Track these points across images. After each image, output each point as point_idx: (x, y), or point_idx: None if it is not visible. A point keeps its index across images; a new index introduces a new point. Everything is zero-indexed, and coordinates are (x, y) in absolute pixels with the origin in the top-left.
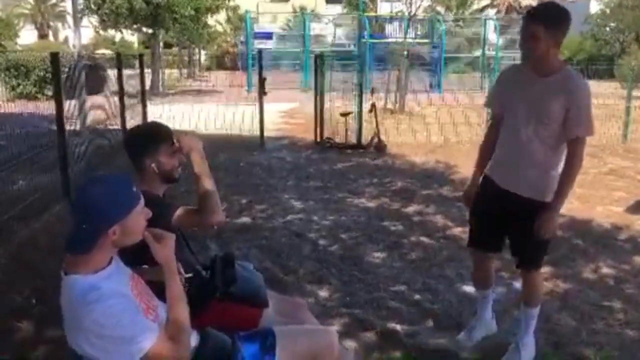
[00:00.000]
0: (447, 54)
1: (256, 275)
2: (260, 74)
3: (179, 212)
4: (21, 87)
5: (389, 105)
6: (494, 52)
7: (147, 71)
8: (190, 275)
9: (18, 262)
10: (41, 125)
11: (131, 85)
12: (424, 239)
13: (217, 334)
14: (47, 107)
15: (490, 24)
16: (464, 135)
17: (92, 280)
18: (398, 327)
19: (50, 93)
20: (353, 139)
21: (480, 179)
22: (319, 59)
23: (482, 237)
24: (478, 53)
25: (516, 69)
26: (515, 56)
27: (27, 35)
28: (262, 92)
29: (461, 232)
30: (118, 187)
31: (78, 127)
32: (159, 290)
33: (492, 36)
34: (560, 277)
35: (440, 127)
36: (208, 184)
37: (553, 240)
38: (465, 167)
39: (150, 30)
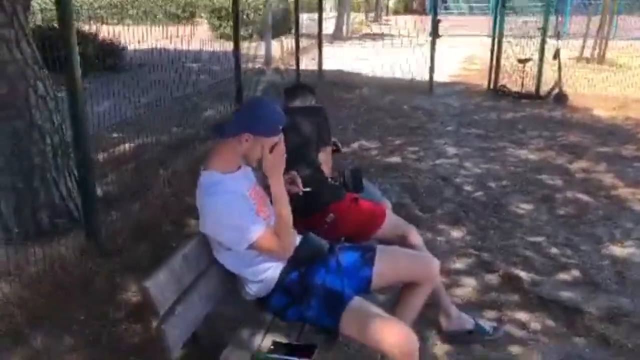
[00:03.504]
0: None
1: (378, 192)
2: (434, 16)
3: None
4: (221, 28)
5: (586, 54)
6: None
7: (333, 15)
8: (308, 189)
9: (193, 173)
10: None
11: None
12: (581, 195)
13: (317, 238)
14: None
15: None
16: None
17: (218, 177)
18: (523, 274)
19: (246, 34)
20: (531, 88)
21: None
22: (500, 0)
23: None
24: None
25: None
26: None
27: None
28: (435, 36)
29: (630, 193)
30: (273, 113)
31: (260, 65)
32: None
33: None
34: None
35: None
36: None
37: None
38: None
39: None
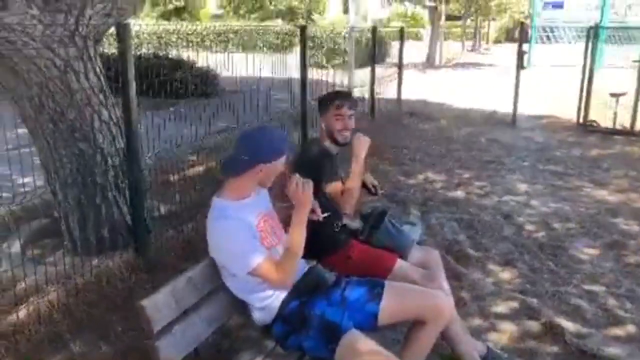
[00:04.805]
0: None
1: (406, 236)
2: (519, 46)
3: (333, 184)
4: (314, 57)
5: None
6: None
7: (425, 44)
8: (327, 214)
9: None
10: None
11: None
12: None
13: (323, 271)
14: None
15: None
16: None
17: (226, 204)
18: (569, 324)
19: (336, 63)
20: (626, 124)
21: None
22: (592, 30)
23: None
24: None
25: None
26: None
27: (334, 9)
28: (519, 66)
29: None
30: (276, 137)
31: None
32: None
33: None
34: None
35: None
36: (356, 182)
37: None
38: None
39: (433, 3)
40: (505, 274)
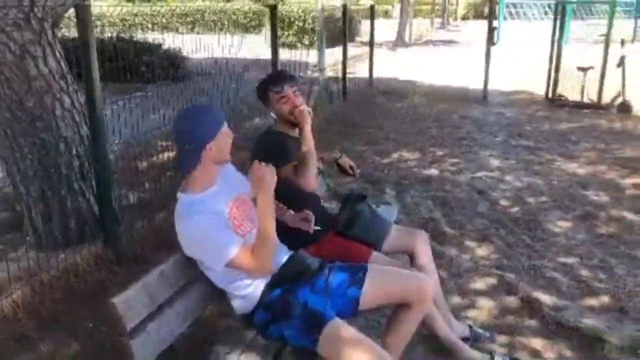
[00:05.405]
0: None
1: (383, 222)
2: (490, 23)
3: (285, 167)
4: (284, 36)
5: None
6: None
7: (394, 22)
8: (318, 228)
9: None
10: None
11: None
12: (627, 214)
13: (307, 257)
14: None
15: None
16: None
17: (193, 198)
18: (546, 297)
19: (307, 43)
20: (594, 97)
21: None
22: (560, 5)
23: None
24: None
25: None
26: None
27: None
28: (490, 43)
29: None
30: (206, 112)
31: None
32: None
33: None
34: None
35: None
36: (309, 146)
37: None
38: None
39: None
40: (482, 250)
